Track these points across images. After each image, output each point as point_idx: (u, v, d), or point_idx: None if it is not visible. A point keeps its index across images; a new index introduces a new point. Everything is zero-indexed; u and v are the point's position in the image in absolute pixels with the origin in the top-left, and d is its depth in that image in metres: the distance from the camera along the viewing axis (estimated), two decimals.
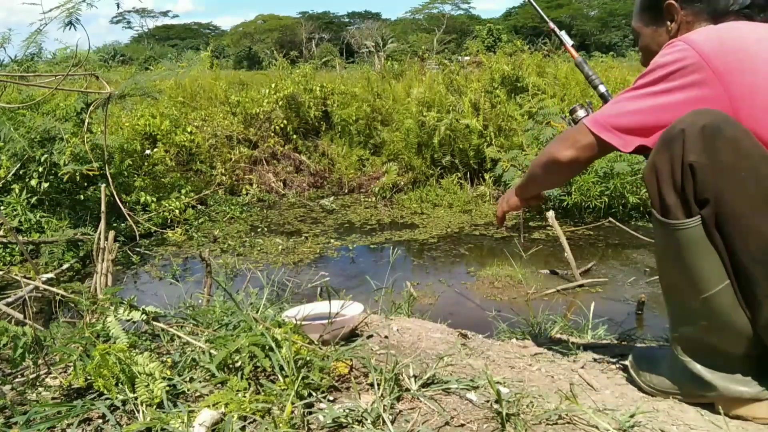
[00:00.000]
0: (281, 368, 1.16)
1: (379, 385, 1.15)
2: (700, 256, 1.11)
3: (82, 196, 5.49)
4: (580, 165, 1.31)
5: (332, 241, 5.69)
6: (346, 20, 58.26)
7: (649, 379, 1.30)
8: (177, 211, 6.20)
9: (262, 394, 1.12)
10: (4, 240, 4.40)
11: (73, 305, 2.02)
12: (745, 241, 1.05)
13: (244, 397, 1.09)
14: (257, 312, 1.53)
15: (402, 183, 7.75)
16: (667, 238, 1.15)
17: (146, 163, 7.17)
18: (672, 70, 1.13)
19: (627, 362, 1.41)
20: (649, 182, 1.16)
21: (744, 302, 1.10)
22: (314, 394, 1.14)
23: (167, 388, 1.13)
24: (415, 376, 1.23)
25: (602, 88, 1.61)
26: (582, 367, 1.52)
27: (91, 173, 5.11)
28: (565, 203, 6.15)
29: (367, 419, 1.06)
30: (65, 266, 4.51)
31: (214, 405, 1.07)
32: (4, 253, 4.60)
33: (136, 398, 1.10)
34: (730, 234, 1.07)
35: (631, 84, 1.24)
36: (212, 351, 1.27)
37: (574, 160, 1.28)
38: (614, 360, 1.57)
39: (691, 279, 1.13)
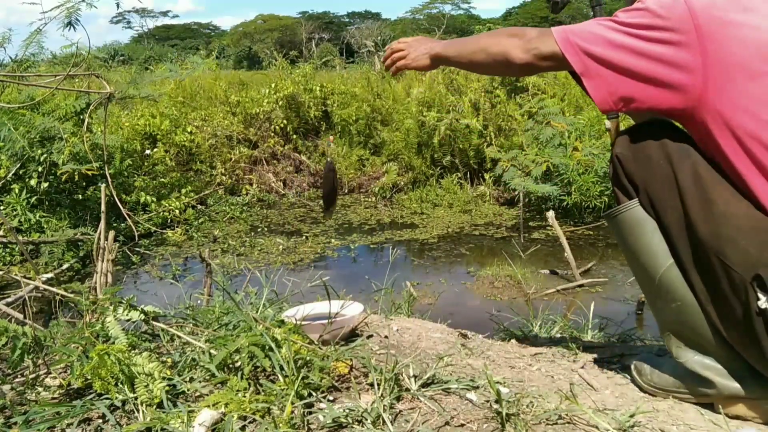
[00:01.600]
0: (281, 368, 1.15)
1: (379, 385, 1.15)
2: (645, 236, 1.20)
3: (81, 196, 5.49)
4: (531, 71, 1.26)
5: (332, 240, 5.69)
6: (346, 20, 58.28)
7: (650, 378, 1.30)
8: (177, 211, 6.20)
9: (262, 394, 1.12)
10: (4, 240, 4.40)
11: (73, 305, 2.02)
12: (665, 215, 1.16)
13: (244, 397, 1.09)
14: (257, 312, 1.53)
15: (402, 183, 7.75)
16: (617, 227, 1.26)
17: (146, 163, 7.17)
18: (659, 23, 1.09)
19: (631, 366, 1.40)
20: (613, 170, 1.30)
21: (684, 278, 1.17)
22: (314, 394, 1.14)
23: (167, 388, 1.13)
24: (415, 376, 1.23)
25: None
26: (582, 367, 1.52)
27: (90, 173, 5.11)
28: (565, 203, 6.15)
29: (367, 419, 1.06)
30: (65, 266, 4.51)
31: (214, 405, 1.07)
32: (4, 253, 4.60)
33: (135, 398, 1.10)
34: (657, 213, 1.18)
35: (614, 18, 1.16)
36: (212, 351, 1.27)
37: (527, 65, 1.22)
38: (614, 360, 1.57)
39: (646, 262, 1.21)
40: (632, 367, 1.38)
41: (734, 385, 1.15)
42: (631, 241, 1.22)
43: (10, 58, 4.28)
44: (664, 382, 1.27)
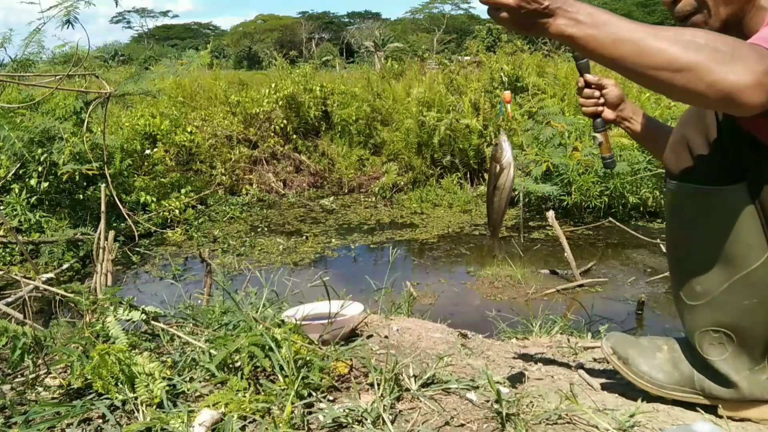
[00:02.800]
0: (281, 368, 1.15)
1: (379, 385, 1.15)
2: (746, 224, 1.06)
3: (81, 196, 5.49)
4: (747, 107, 0.81)
5: (332, 240, 5.69)
6: (346, 20, 58.30)
7: (649, 374, 1.23)
8: (177, 211, 6.20)
9: (262, 394, 1.12)
10: (4, 240, 4.40)
11: (73, 305, 2.02)
12: None
13: (244, 397, 1.09)
14: (257, 312, 1.53)
15: (402, 183, 7.75)
16: (706, 207, 1.10)
17: (146, 163, 7.17)
18: None
19: (607, 350, 1.29)
20: (678, 154, 1.11)
21: None
22: (314, 394, 1.14)
23: (167, 388, 1.13)
24: (415, 376, 1.23)
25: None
26: (582, 367, 1.52)
27: (90, 173, 5.11)
28: (565, 203, 6.14)
29: (367, 419, 1.06)
30: (65, 266, 4.51)
31: (214, 405, 1.07)
32: (4, 253, 4.60)
33: (135, 398, 1.10)
34: (762, 202, 1.04)
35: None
36: (212, 351, 1.27)
37: (753, 90, 0.78)
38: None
39: (736, 252, 1.08)
40: (608, 348, 1.29)
41: (757, 391, 1.13)
42: (725, 225, 1.08)
43: (10, 58, 4.28)
44: (665, 379, 1.22)
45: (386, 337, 1.62)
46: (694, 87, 0.80)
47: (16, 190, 5.08)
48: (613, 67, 0.84)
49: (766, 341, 1.11)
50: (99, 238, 2.38)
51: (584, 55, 0.85)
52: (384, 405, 1.09)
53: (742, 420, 1.16)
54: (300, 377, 1.12)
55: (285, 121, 8.33)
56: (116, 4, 2.77)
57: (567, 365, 1.58)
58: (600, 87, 1.40)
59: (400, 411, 1.12)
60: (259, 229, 6.21)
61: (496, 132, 7.17)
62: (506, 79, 7.94)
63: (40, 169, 5.11)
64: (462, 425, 1.08)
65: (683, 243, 1.19)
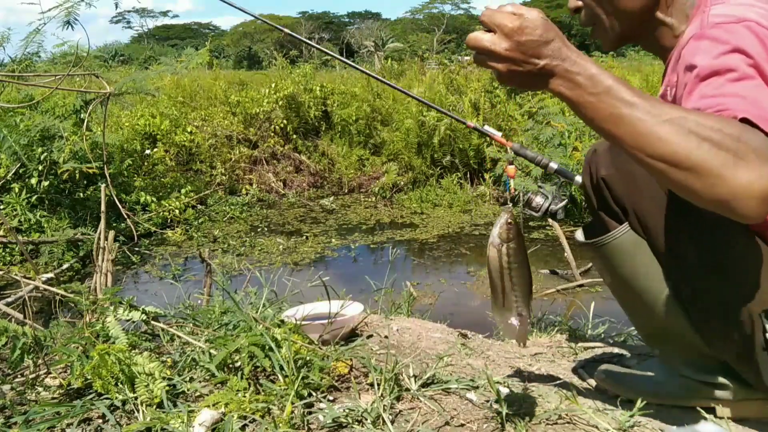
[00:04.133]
0: (281, 368, 1.15)
1: (379, 385, 1.15)
2: (643, 260, 1.12)
3: (81, 195, 5.49)
4: (743, 217, 0.74)
5: (332, 240, 5.69)
6: (346, 20, 58.30)
7: (649, 388, 1.25)
8: (177, 211, 6.20)
9: (262, 394, 1.12)
10: (4, 240, 4.40)
11: (73, 305, 2.02)
12: (658, 239, 1.09)
13: (244, 397, 1.09)
14: (257, 312, 1.53)
15: (402, 183, 7.75)
16: (609, 254, 1.16)
17: (146, 163, 7.16)
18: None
19: (598, 376, 1.34)
20: (587, 201, 1.19)
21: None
22: (314, 394, 1.14)
23: (167, 388, 1.13)
24: (415, 376, 1.23)
25: (554, 165, 1.55)
26: (582, 367, 1.52)
27: (90, 171, 5.11)
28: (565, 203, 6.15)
29: (367, 419, 1.06)
30: (65, 266, 4.51)
31: (214, 405, 1.07)
32: (4, 253, 4.60)
33: (135, 398, 1.10)
34: (649, 235, 1.10)
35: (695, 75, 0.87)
36: (212, 351, 1.27)
37: (755, 203, 0.71)
38: (614, 360, 1.57)
39: (645, 287, 1.14)
40: (600, 376, 1.32)
41: (748, 387, 1.14)
42: (626, 267, 1.14)
43: (10, 57, 4.28)
44: (661, 388, 1.24)
45: (386, 337, 1.62)
46: (691, 186, 0.73)
47: (16, 190, 5.08)
48: (609, 140, 0.78)
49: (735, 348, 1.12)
50: (99, 238, 2.38)
51: (580, 118, 0.78)
52: (384, 405, 1.09)
53: (741, 419, 1.16)
54: (300, 377, 1.12)
55: (285, 121, 8.33)
56: (116, 7, 2.78)
57: (567, 365, 1.58)
58: None
59: (400, 411, 1.12)
60: (259, 229, 6.21)
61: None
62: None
63: (40, 168, 5.11)
64: (462, 425, 1.08)
65: (612, 291, 1.26)
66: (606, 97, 0.74)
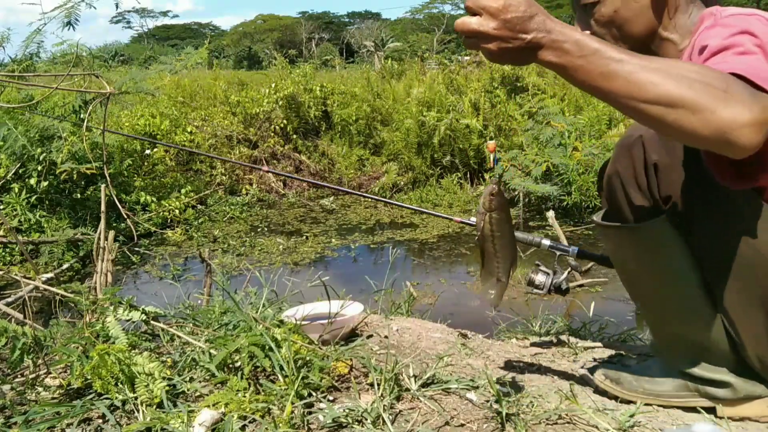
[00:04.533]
0: (281, 368, 1.15)
1: (379, 385, 1.15)
2: (675, 253, 1.12)
3: (80, 195, 5.49)
4: (741, 147, 0.77)
5: (332, 240, 5.69)
6: (346, 20, 58.30)
7: (640, 386, 1.25)
8: (177, 211, 6.19)
9: (262, 394, 1.12)
10: (4, 240, 4.40)
11: (73, 305, 2.02)
12: (703, 236, 1.09)
13: (244, 397, 1.09)
14: (257, 312, 1.53)
15: (402, 183, 7.75)
16: (638, 241, 1.16)
17: (146, 163, 7.16)
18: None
19: (596, 377, 1.32)
20: (613, 190, 1.16)
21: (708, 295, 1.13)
22: (314, 394, 1.14)
23: (167, 388, 1.13)
24: (415, 376, 1.23)
25: (546, 242, 1.52)
26: (582, 367, 1.52)
27: (89, 172, 5.10)
28: (565, 203, 6.14)
29: (367, 419, 1.06)
30: (65, 266, 4.51)
31: (214, 405, 1.07)
32: (4, 253, 4.60)
33: (135, 398, 1.10)
34: (692, 229, 1.10)
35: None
36: (212, 351, 1.27)
37: (749, 130, 0.75)
38: (614, 360, 1.57)
39: (671, 279, 1.14)
40: (599, 377, 1.31)
41: (750, 386, 1.14)
42: (657, 256, 1.14)
43: (10, 57, 4.28)
44: (661, 388, 1.23)
45: (386, 337, 1.62)
46: (687, 124, 0.76)
47: (16, 190, 5.08)
48: (603, 98, 0.81)
49: (733, 354, 1.14)
50: (99, 238, 2.38)
51: (574, 85, 0.81)
52: (384, 405, 1.09)
53: (741, 419, 1.16)
54: (300, 377, 1.12)
55: (285, 121, 8.33)
56: (116, 7, 2.79)
57: (567, 365, 1.58)
58: None
59: (400, 411, 1.12)
60: (259, 229, 6.21)
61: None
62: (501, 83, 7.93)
63: (39, 168, 5.11)
64: (462, 425, 1.08)
65: (630, 281, 1.25)
66: (595, 58, 0.78)
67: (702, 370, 1.18)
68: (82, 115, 5.09)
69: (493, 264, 1.08)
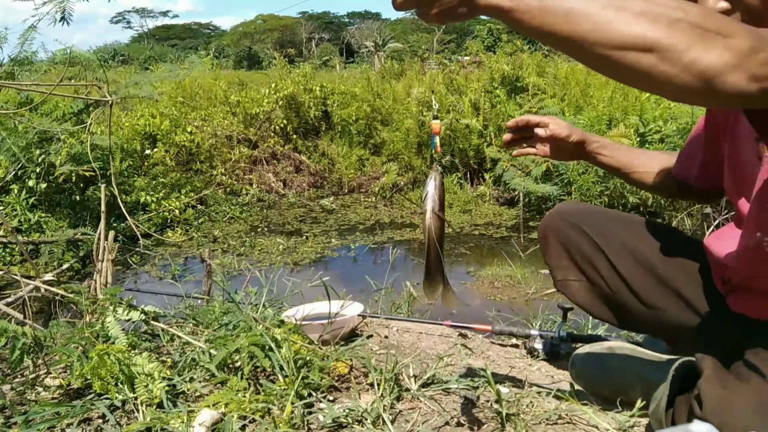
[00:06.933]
0: (281, 368, 1.15)
1: (379, 385, 1.15)
2: None
3: (78, 197, 5.49)
4: (735, 104, 0.70)
5: (332, 240, 5.68)
6: (346, 20, 58.32)
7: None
8: (177, 211, 6.19)
9: (262, 394, 1.12)
10: (4, 240, 4.40)
11: (73, 305, 2.02)
12: None
13: (244, 397, 1.09)
14: (257, 312, 1.53)
15: (402, 183, 7.75)
16: None
17: (146, 163, 7.16)
18: None
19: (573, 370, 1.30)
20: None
21: None
22: (314, 394, 1.14)
23: (167, 388, 1.13)
24: (415, 376, 1.23)
25: (534, 332, 1.66)
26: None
27: (87, 174, 5.10)
28: None
29: (367, 419, 1.06)
30: (65, 266, 4.51)
31: (214, 405, 1.07)
32: (4, 253, 4.60)
33: (135, 398, 1.10)
34: None
35: None
36: (212, 351, 1.27)
37: (741, 95, 0.65)
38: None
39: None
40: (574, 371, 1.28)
41: None
42: None
43: (9, 57, 4.28)
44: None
45: (386, 337, 1.62)
46: (665, 70, 0.63)
47: (16, 191, 5.08)
48: (562, 47, 0.67)
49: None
50: (99, 238, 2.38)
51: (526, 33, 0.67)
52: (384, 405, 1.09)
53: None
54: (300, 377, 1.12)
55: (285, 121, 8.33)
56: (108, 1, 2.74)
57: (567, 365, 1.58)
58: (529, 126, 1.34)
59: (400, 411, 1.11)
60: (259, 229, 6.21)
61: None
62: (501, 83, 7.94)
63: (38, 170, 5.11)
64: (462, 425, 1.08)
65: None
66: (533, 7, 0.65)
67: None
68: (83, 118, 5.09)
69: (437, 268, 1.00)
